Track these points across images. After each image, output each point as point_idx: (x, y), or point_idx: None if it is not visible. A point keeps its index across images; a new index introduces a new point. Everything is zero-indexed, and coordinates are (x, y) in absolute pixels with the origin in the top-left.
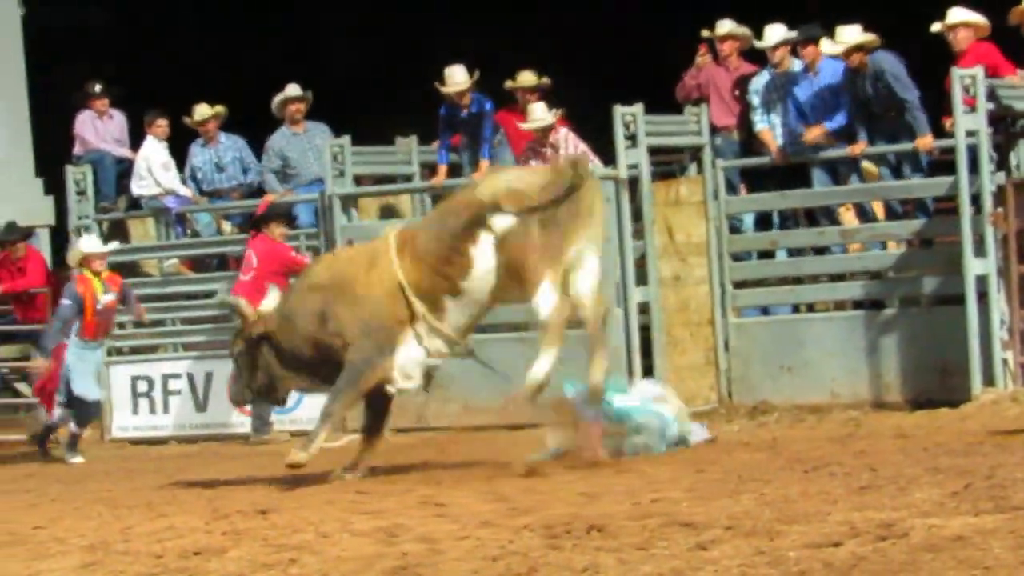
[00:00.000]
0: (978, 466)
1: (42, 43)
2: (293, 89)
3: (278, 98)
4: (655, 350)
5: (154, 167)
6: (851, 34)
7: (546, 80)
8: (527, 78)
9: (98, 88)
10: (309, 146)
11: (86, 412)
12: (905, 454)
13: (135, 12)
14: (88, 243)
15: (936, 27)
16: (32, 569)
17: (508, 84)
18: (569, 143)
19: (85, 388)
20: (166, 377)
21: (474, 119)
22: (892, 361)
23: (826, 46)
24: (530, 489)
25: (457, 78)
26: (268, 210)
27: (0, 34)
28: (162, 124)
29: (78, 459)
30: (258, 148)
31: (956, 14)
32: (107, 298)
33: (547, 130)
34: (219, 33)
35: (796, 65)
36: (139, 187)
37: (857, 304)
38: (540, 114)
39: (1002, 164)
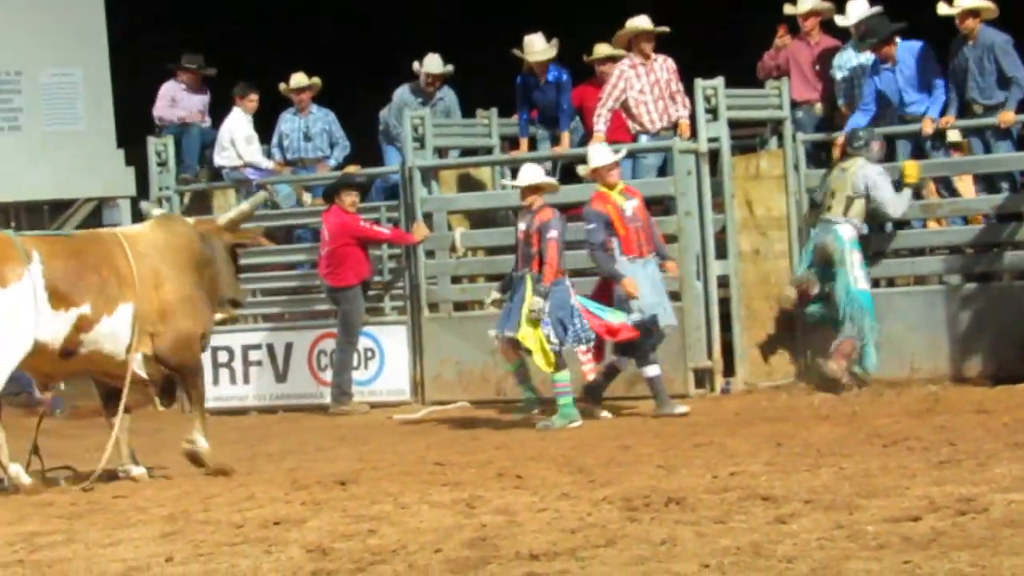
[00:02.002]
0: None
1: (124, 13)
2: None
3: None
4: (734, 324)
5: (237, 139)
6: None
7: (622, 52)
8: (603, 50)
9: (192, 63)
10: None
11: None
12: (985, 429)
13: None
14: (598, 155)
15: None
16: (113, 538)
17: (586, 57)
18: (672, 72)
19: (653, 309)
20: (246, 348)
21: (551, 90)
22: (973, 336)
23: (942, 8)
24: (610, 461)
25: (537, 47)
26: (338, 180)
27: (82, 4)
28: (254, 99)
29: (680, 409)
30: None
31: None
32: (631, 204)
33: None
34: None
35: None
36: (221, 158)
37: (938, 279)
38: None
39: None
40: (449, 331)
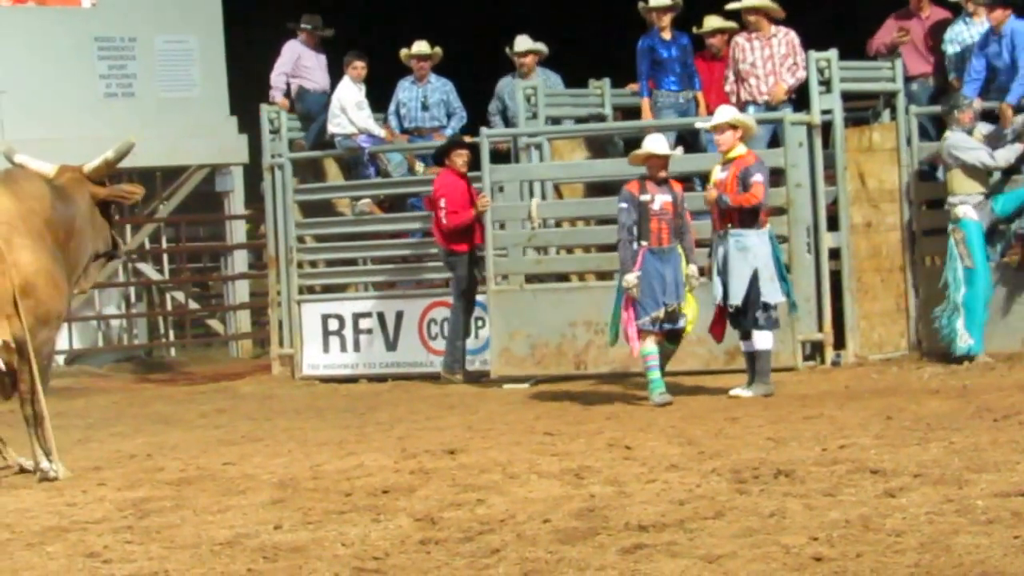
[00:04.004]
0: None
1: None
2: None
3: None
4: (845, 296)
5: (348, 106)
6: None
7: (732, 24)
8: (713, 22)
9: (309, 23)
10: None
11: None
12: None
13: None
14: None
15: None
16: (222, 504)
17: (696, 29)
18: (791, 46)
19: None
20: (356, 316)
21: (677, 47)
22: None
23: None
24: (719, 433)
25: None
26: (449, 140)
27: None
28: (359, 66)
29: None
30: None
31: None
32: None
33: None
34: None
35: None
36: (333, 126)
37: None
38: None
39: None
40: (520, 304)
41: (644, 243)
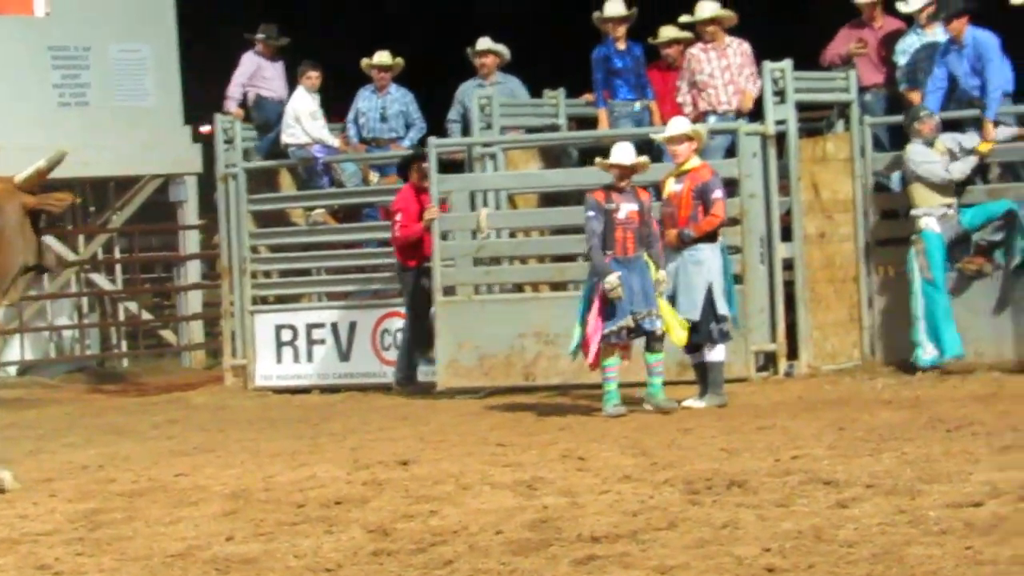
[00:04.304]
0: None
1: None
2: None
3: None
4: (798, 307)
5: (302, 116)
6: None
7: (688, 35)
8: (668, 33)
9: (264, 33)
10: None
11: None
12: None
13: None
14: (620, 152)
15: None
16: (173, 516)
17: (650, 40)
18: (745, 56)
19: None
20: (310, 326)
21: (630, 58)
22: None
23: None
24: (672, 444)
25: (618, 9)
26: (410, 154)
27: None
28: (313, 76)
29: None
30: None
31: None
32: (628, 207)
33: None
34: None
35: (940, 29)
36: (287, 136)
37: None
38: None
39: None
40: (469, 315)
41: (609, 252)
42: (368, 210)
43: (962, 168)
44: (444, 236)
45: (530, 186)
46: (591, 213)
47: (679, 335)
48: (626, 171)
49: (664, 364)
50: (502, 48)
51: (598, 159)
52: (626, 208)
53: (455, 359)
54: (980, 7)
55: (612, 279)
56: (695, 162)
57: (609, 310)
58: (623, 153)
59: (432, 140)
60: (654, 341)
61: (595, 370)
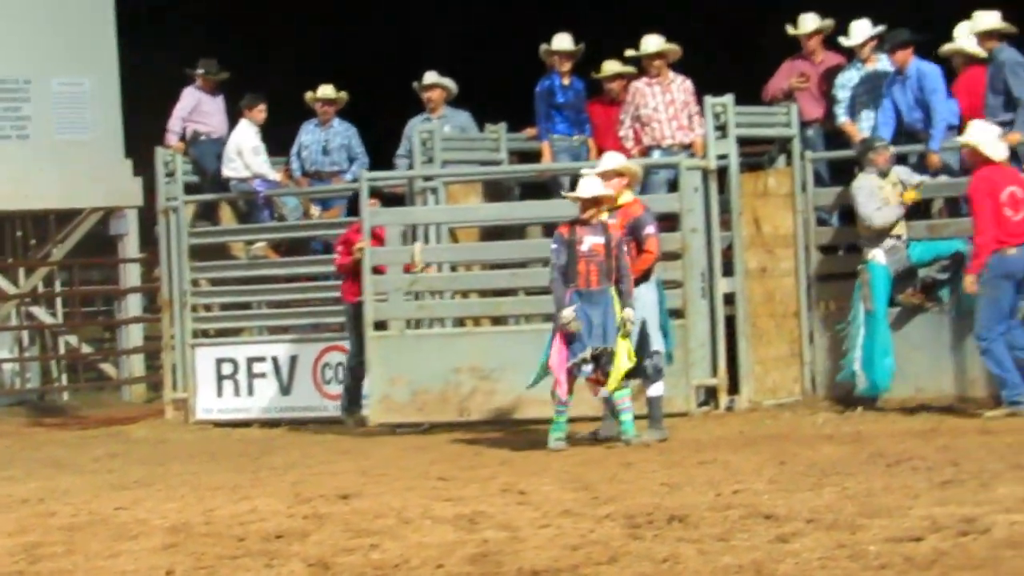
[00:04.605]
0: None
1: (134, 23)
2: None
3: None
4: (740, 341)
5: (245, 151)
6: (988, 20)
7: (631, 69)
8: (612, 67)
9: (204, 67)
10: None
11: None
12: (988, 450)
13: None
14: (587, 186)
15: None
16: (113, 550)
17: (595, 74)
18: (689, 94)
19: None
20: (250, 360)
21: (573, 93)
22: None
23: (962, 31)
24: (613, 478)
25: (566, 43)
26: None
27: (92, 14)
28: (262, 109)
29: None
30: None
31: None
32: (592, 240)
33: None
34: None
35: (883, 60)
36: (228, 170)
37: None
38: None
39: None
40: (402, 349)
41: (572, 285)
42: (315, 243)
43: (886, 217)
44: (375, 271)
45: (462, 220)
46: (554, 246)
47: (614, 381)
48: (588, 203)
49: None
50: (448, 82)
51: (564, 191)
52: (590, 241)
53: (387, 394)
54: (925, 38)
55: (567, 313)
56: (627, 197)
57: (570, 342)
58: (584, 186)
59: (364, 174)
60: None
61: (558, 400)
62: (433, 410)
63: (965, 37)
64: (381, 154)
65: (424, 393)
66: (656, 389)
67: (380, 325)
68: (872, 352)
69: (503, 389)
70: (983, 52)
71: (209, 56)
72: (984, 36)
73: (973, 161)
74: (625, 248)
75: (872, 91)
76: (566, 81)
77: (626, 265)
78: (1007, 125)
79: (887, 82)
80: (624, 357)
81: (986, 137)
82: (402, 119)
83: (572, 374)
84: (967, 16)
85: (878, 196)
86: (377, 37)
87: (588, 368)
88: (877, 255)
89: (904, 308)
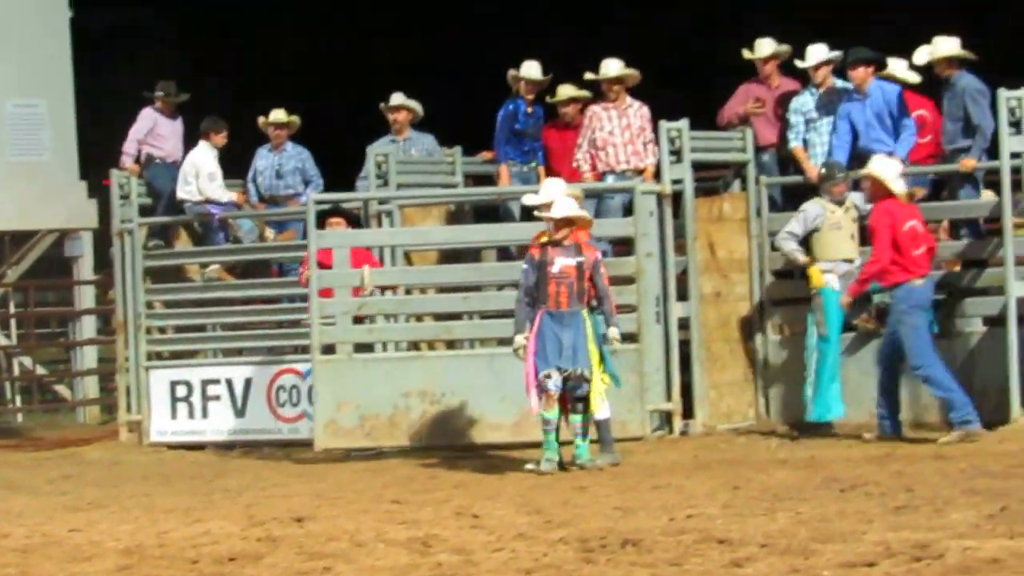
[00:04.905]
0: (1015, 489)
1: (89, 45)
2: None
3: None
4: (694, 366)
5: (201, 174)
6: (948, 46)
7: (586, 93)
8: (567, 91)
9: (163, 90)
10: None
11: None
12: (942, 475)
13: (185, 13)
14: (560, 207)
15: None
16: (67, 572)
17: (549, 99)
18: (645, 120)
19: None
20: (205, 382)
21: (534, 121)
22: None
23: (920, 55)
24: (566, 502)
25: (535, 72)
26: (331, 208)
27: (47, 36)
28: (224, 135)
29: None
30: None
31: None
32: (563, 261)
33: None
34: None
35: (837, 83)
36: (184, 192)
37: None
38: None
39: None
40: (349, 374)
41: (543, 306)
42: (275, 265)
43: (789, 249)
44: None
45: (412, 243)
46: (524, 267)
47: (596, 402)
48: (560, 224)
49: (588, 424)
50: (415, 104)
51: (537, 211)
52: (561, 262)
53: (333, 419)
54: (883, 58)
55: (518, 339)
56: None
57: (536, 362)
58: (557, 207)
59: (312, 196)
60: (576, 402)
61: (542, 419)
62: (382, 435)
63: (898, 63)
64: (345, 177)
65: (372, 418)
66: (604, 412)
67: (328, 349)
68: (822, 379)
69: (454, 414)
70: (915, 78)
71: (167, 78)
72: (943, 63)
73: (875, 193)
74: (602, 270)
75: (828, 106)
76: (529, 109)
77: (604, 286)
78: (964, 151)
79: (844, 101)
80: (598, 380)
81: (890, 172)
82: (366, 141)
83: (542, 388)
84: (927, 41)
85: (828, 221)
86: (337, 58)
87: (551, 383)
88: (831, 280)
89: (859, 333)
